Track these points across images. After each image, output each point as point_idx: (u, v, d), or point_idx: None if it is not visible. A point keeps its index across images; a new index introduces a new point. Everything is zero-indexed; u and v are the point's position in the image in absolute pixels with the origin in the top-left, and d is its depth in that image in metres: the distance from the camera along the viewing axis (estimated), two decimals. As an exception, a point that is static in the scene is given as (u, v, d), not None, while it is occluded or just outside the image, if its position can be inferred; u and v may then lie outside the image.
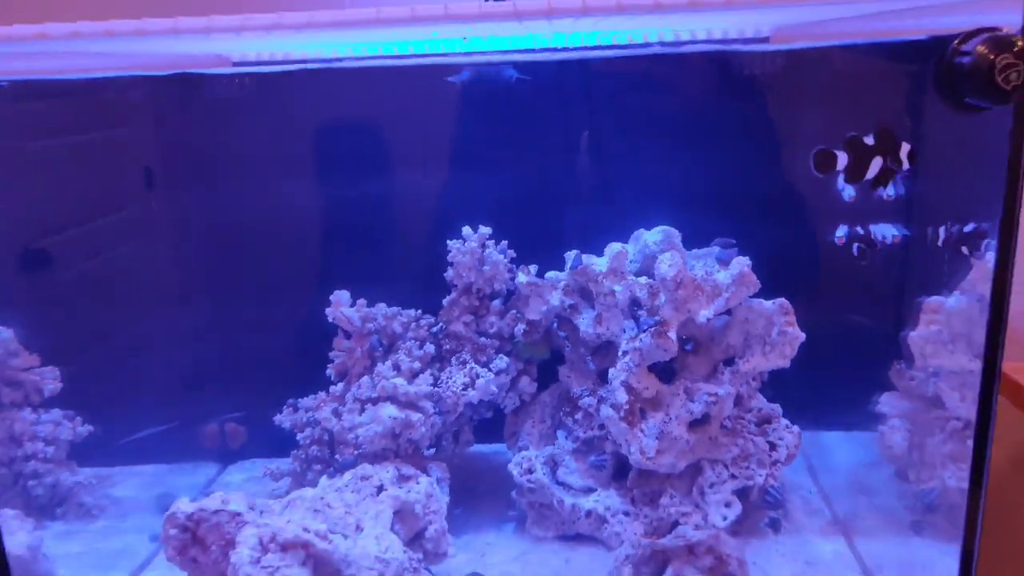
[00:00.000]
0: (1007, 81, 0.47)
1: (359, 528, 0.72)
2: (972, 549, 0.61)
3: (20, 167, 0.83)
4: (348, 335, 0.86)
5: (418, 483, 0.77)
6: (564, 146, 0.89)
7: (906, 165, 0.56)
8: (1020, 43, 0.48)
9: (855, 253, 0.75)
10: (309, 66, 0.84)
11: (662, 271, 0.75)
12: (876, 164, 0.56)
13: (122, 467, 0.92)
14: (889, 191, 0.64)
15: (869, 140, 0.56)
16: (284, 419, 0.87)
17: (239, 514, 0.68)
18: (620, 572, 0.68)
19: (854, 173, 0.56)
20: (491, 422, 0.88)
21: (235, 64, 0.88)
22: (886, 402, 0.82)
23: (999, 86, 0.47)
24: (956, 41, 0.50)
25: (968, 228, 0.64)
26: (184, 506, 0.69)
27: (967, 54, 0.48)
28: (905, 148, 0.56)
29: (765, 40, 0.84)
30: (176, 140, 0.91)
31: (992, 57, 0.47)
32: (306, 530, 0.66)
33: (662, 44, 0.80)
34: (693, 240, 0.82)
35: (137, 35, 0.58)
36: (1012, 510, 1.10)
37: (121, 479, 0.90)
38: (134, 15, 0.57)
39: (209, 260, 0.95)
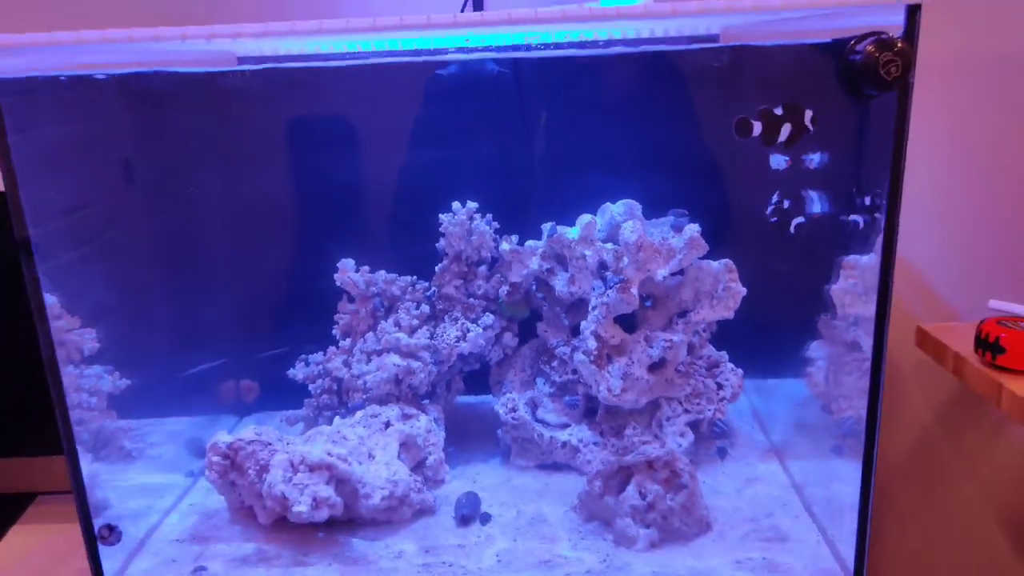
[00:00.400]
0: (888, 74, 0.61)
1: (371, 456, 0.84)
2: (871, 461, 0.75)
3: (60, 153, 0.92)
4: (351, 299, 0.98)
5: (419, 420, 0.90)
6: (539, 132, 1.01)
7: (811, 128, 0.70)
8: (899, 44, 0.62)
9: (792, 231, 0.89)
10: (311, 64, 0.96)
11: (625, 236, 0.88)
12: (785, 129, 0.70)
13: (150, 419, 1.03)
14: (813, 160, 0.78)
15: (778, 111, 0.70)
16: (297, 372, 0.99)
17: (270, 443, 0.81)
18: (592, 485, 0.81)
19: (767, 138, 0.69)
20: (478, 376, 1.01)
21: (239, 60, 0.99)
22: (814, 348, 0.96)
23: (883, 78, 0.61)
24: (852, 42, 0.64)
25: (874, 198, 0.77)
26: (224, 438, 0.81)
27: (859, 53, 0.62)
28: (808, 114, 0.70)
29: (716, 38, 0.98)
30: (203, 126, 1.01)
31: (877, 55, 0.61)
32: (329, 454, 0.78)
33: (624, 43, 0.92)
34: (652, 211, 0.95)
35: (154, 40, 0.66)
36: (935, 457, 1.27)
37: (152, 429, 1.01)
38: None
39: (226, 235, 1.06)
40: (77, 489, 0.72)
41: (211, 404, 1.06)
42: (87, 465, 0.81)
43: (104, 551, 0.77)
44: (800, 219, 0.89)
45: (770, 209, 0.86)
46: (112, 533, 0.74)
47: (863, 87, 0.63)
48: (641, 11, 0.72)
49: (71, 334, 0.94)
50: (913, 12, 0.59)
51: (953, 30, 1.04)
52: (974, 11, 1.02)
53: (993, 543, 1.31)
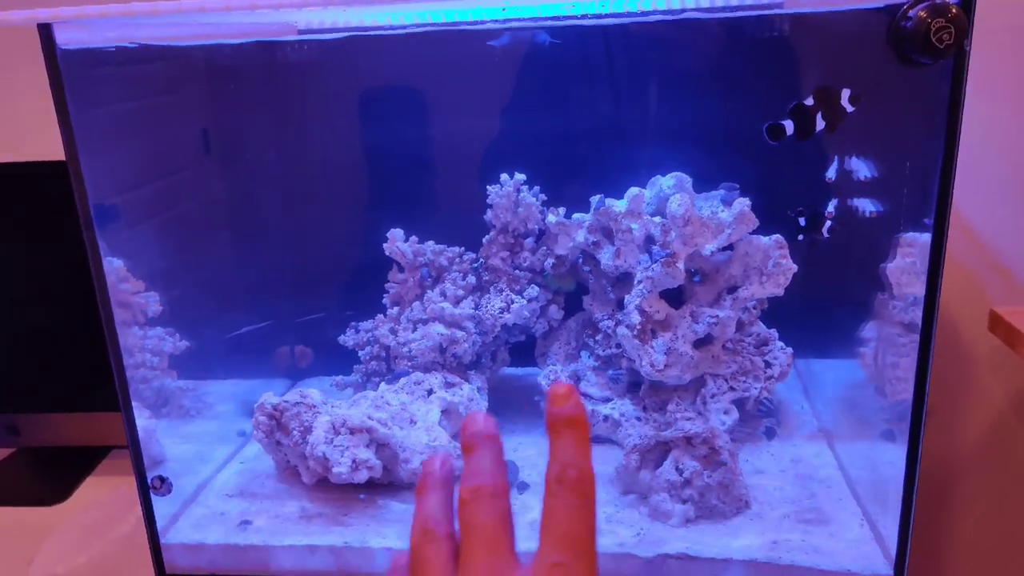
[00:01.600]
0: (940, 41, 0.58)
1: (412, 422, 0.86)
2: (917, 446, 0.73)
3: (128, 122, 0.97)
4: (401, 268, 1.00)
5: (461, 389, 0.91)
6: (590, 103, 1.00)
7: (849, 109, 0.67)
8: (954, 10, 0.58)
9: (826, 234, 0.86)
10: (368, 33, 0.97)
11: (672, 209, 0.87)
12: (819, 119, 0.67)
13: (209, 380, 1.07)
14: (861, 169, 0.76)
15: (808, 101, 0.67)
16: (348, 339, 1.01)
17: (315, 406, 0.83)
18: (629, 459, 0.81)
19: (802, 133, 0.67)
20: (525, 348, 1.02)
21: (300, 32, 1.01)
22: (868, 329, 0.93)
23: (934, 45, 0.58)
24: (905, 7, 0.61)
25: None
26: (270, 399, 0.84)
27: (911, 18, 0.59)
28: (845, 93, 0.67)
29: (780, 5, 0.94)
30: (258, 98, 1.04)
31: (929, 21, 0.58)
32: (370, 418, 0.80)
33: (682, 10, 0.90)
34: (704, 185, 0.93)
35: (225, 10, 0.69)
36: (1011, 448, 1.21)
37: (210, 390, 1.06)
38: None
39: (281, 204, 1.09)
40: (132, 442, 0.76)
41: (267, 368, 1.09)
42: (145, 420, 0.85)
43: (159, 501, 0.81)
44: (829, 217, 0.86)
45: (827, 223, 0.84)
46: (163, 484, 0.78)
47: (914, 55, 0.60)
48: None
49: (137, 296, 0.99)
50: (970, -27, 0.56)
51: None
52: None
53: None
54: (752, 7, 0.88)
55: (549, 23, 0.95)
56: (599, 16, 0.89)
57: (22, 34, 0.66)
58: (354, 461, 0.78)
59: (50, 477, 1.36)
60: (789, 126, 0.67)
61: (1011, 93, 1.04)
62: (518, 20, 0.93)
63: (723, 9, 0.88)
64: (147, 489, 0.77)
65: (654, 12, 0.89)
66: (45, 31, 0.64)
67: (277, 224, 1.09)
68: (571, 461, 0.35)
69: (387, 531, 0.79)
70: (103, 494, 1.23)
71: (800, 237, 0.83)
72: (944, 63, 0.61)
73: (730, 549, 0.74)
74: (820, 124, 0.67)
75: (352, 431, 0.79)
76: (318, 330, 1.09)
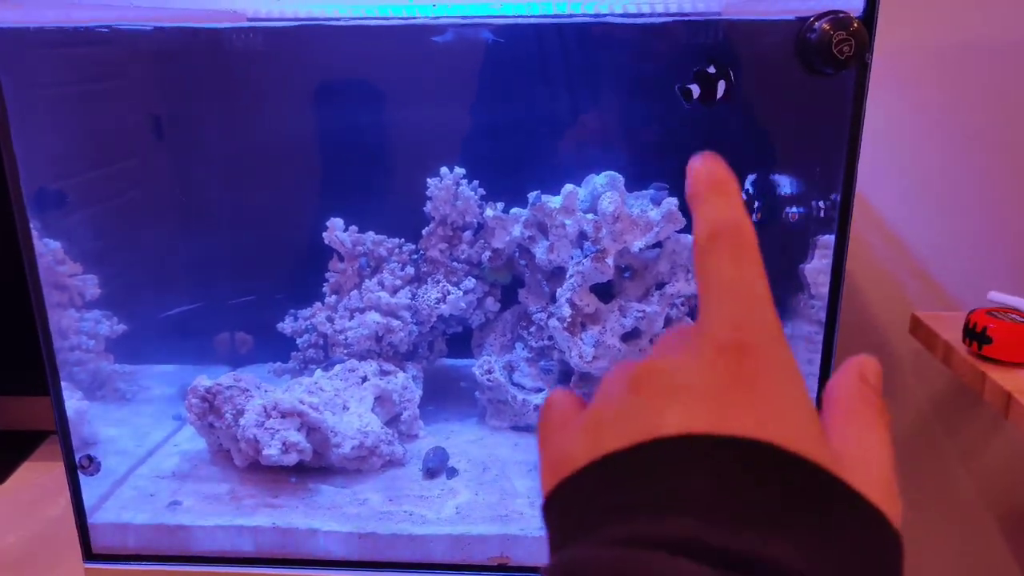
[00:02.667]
0: (841, 53, 0.62)
1: (345, 408, 0.88)
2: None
3: (65, 107, 0.97)
4: (341, 258, 1.02)
5: (396, 377, 0.93)
6: (530, 101, 1.03)
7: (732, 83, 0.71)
8: (855, 24, 0.62)
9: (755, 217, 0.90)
10: (312, 23, 0.98)
11: (603, 207, 0.90)
12: (721, 86, 0.71)
13: (148, 365, 1.08)
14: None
15: (711, 69, 0.71)
16: (286, 326, 1.02)
17: (247, 390, 0.85)
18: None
19: (706, 96, 0.70)
20: (462, 340, 1.04)
21: (249, 20, 1.02)
22: (788, 327, 0.97)
23: (836, 57, 0.62)
24: (811, 19, 0.64)
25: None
26: (203, 381, 0.85)
27: (815, 31, 0.63)
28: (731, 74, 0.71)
29: (717, 14, 0.98)
30: (200, 86, 1.05)
31: (831, 33, 0.62)
32: (301, 402, 0.82)
33: (622, 15, 0.93)
34: (639, 185, 0.96)
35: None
36: (931, 446, 1.26)
37: (147, 374, 1.06)
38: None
39: (224, 192, 1.09)
40: (60, 420, 0.77)
41: (206, 354, 1.10)
42: (77, 402, 0.86)
43: (90, 483, 0.82)
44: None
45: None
46: (91, 463, 0.79)
47: (818, 65, 0.63)
48: None
49: (73, 279, 0.99)
50: (871, -11, 0.60)
51: (962, 17, 1.03)
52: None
53: (988, 535, 1.31)
54: (678, 14, 0.91)
55: (492, 21, 0.97)
56: (535, 16, 0.92)
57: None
58: (284, 444, 0.79)
59: (-14, 461, 1.35)
60: (695, 89, 0.71)
61: (936, 107, 1.09)
62: (462, 17, 0.95)
63: (647, 16, 0.91)
64: (75, 468, 0.77)
65: (582, 15, 0.92)
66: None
67: (218, 210, 1.09)
68: (724, 218, 0.28)
69: (316, 513, 0.80)
70: (37, 477, 1.23)
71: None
72: (847, 73, 0.65)
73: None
74: (720, 91, 0.71)
75: (283, 415, 0.81)
76: (257, 316, 1.10)
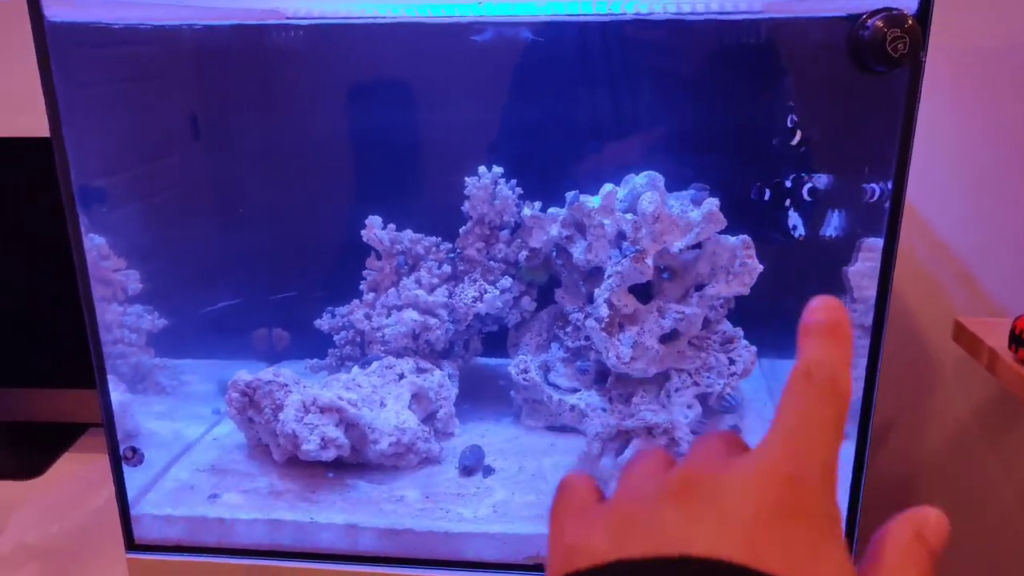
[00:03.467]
0: (895, 51, 0.60)
1: (383, 404, 0.88)
2: (865, 442, 0.75)
3: (111, 103, 0.98)
4: (379, 256, 1.02)
5: (432, 375, 0.93)
6: (568, 101, 1.02)
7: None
8: (910, 21, 0.61)
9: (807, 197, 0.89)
10: (349, 22, 0.98)
11: (643, 207, 0.89)
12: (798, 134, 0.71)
13: (188, 359, 1.09)
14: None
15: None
16: (323, 323, 1.03)
17: (286, 385, 0.85)
18: (591, 446, 0.83)
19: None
20: (498, 339, 1.04)
21: (288, 18, 1.03)
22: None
23: (889, 55, 0.61)
24: (864, 17, 0.63)
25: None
26: (244, 376, 0.86)
27: (868, 28, 0.62)
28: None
29: (759, 14, 0.97)
30: (240, 84, 1.06)
31: (885, 31, 0.61)
32: (340, 398, 0.82)
33: (664, 13, 0.92)
34: (678, 185, 0.96)
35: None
36: (972, 456, 1.24)
37: (186, 369, 1.07)
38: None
39: (263, 189, 1.11)
40: (105, 411, 0.78)
41: (244, 350, 1.11)
42: (120, 394, 0.87)
43: (132, 475, 0.83)
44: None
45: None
46: (135, 455, 0.80)
47: (870, 63, 0.62)
48: None
49: (117, 274, 1.01)
50: (927, -13, 0.59)
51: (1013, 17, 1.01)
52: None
53: None
54: (713, 13, 0.90)
55: (532, 20, 0.97)
56: (578, 15, 0.92)
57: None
58: (323, 439, 0.80)
59: (26, 452, 1.37)
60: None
61: (982, 110, 1.07)
62: (502, 17, 0.95)
63: (689, 15, 0.90)
64: (119, 459, 0.79)
65: (623, 15, 0.91)
66: (33, 3, 0.66)
67: (259, 207, 1.10)
68: (827, 362, 0.27)
69: (353, 509, 0.81)
70: (78, 469, 1.25)
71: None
72: (900, 72, 0.63)
73: (683, 536, 0.76)
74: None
75: (322, 410, 0.81)
76: (294, 313, 1.11)
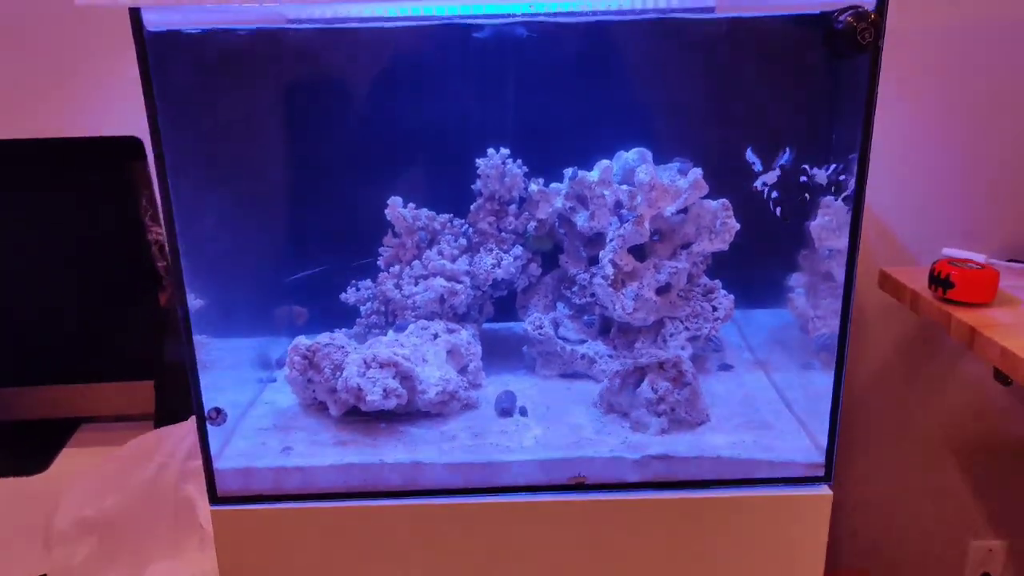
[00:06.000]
0: (863, 39, 0.77)
1: (424, 360, 0.99)
2: (841, 374, 0.91)
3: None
4: (395, 233, 1.13)
5: (461, 333, 1.05)
6: (565, 90, 1.16)
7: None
8: (872, 15, 0.77)
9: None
10: (363, 25, 1.08)
11: (640, 178, 1.03)
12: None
13: (214, 338, 1.16)
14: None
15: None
16: (349, 296, 1.13)
17: (344, 347, 0.95)
18: (612, 382, 0.97)
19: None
20: (505, 303, 1.16)
21: (289, 21, 1.11)
22: (795, 279, 1.13)
23: (859, 42, 0.77)
24: (835, 13, 0.79)
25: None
26: (303, 341, 0.95)
27: (841, 22, 0.78)
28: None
29: (711, 10, 1.12)
30: (295, 83, 1.14)
31: (855, 24, 0.77)
32: (396, 353, 0.93)
33: (624, 12, 1.06)
34: (657, 159, 1.10)
35: None
36: (896, 386, 1.45)
37: (217, 346, 1.14)
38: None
39: (284, 179, 1.19)
40: (192, 375, 0.86)
41: (266, 327, 1.19)
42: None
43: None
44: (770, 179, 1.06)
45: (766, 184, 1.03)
46: (219, 415, 0.88)
47: (843, 50, 0.79)
48: None
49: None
50: (884, -11, 0.75)
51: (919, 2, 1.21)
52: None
53: (942, 459, 1.51)
54: (698, 9, 1.06)
55: (525, 19, 1.09)
56: (568, 14, 1.04)
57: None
58: (385, 390, 0.90)
59: (26, 449, 1.40)
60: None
61: (908, 87, 1.27)
62: (500, 15, 1.07)
63: (679, 11, 1.05)
64: (203, 419, 0.87)
65: (613, 13, 1.04)
66: (134, 14, 0.74)
67: (278, 196, 1.19)
68: None
69: (415, 449, 0.92)
70: (84, 463, 1.29)
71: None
72: (863, 57, 0.80)
73: (700, 448, 0.91)
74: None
75: (381, 365, 0.92)
76: (309, 290, 1.20)
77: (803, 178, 1.01)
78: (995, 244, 1.35)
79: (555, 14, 1.05)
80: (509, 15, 1.08)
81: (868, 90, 0.80)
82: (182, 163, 0.86)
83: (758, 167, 1.04)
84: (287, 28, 1.04)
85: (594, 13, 1.07)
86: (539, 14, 1.04)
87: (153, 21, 0.75)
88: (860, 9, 0.78)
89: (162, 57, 0.78)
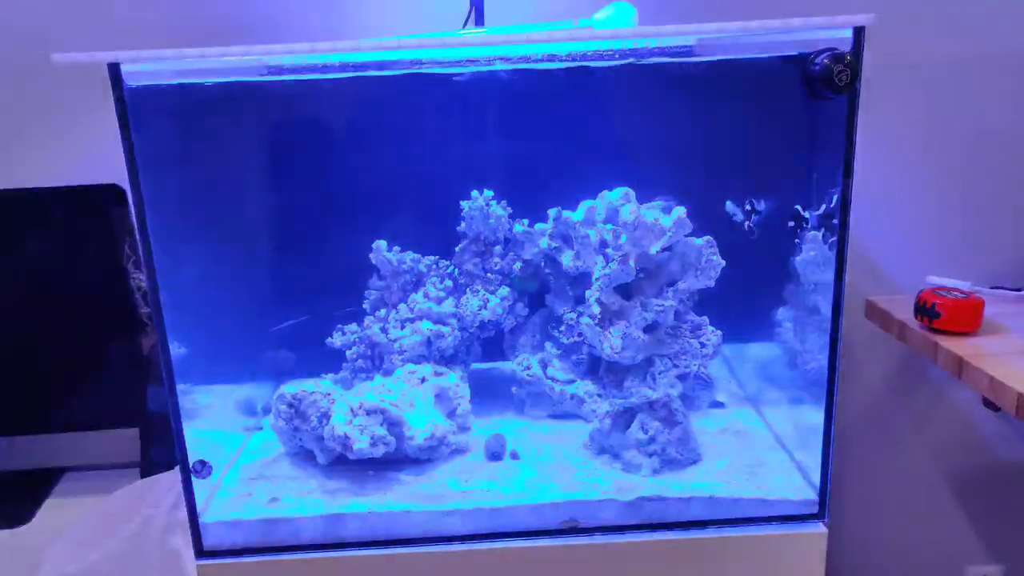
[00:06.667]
0: (840, 80, 0.78)
1: (412, 405, 0.98)
2: (832, 407, 0.91)
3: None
4: (381, 276, 1.12)
5: (448, 377, 1.04)
6: (547, 132, 1.16)
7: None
8: (848, 58, 0.78)
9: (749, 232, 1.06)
10: (344, 74, 1.08)
11: (624, 217, 1.04)
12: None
13: (199, 385, 1.15)
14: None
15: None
16: (335, 339, 1.12)
17: (329, 394, 0.94)
18: (602, 423, 0.96)
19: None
20: (490, 345, 1.16)
21: (269, 70, 1.11)
22: (782, 313, 1.13)
23: (836, 84, 0.78)
24: (812, 55, 0.80)
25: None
26: (289, 389, 0.94)
27: (817, 64, 0.79)
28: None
29: (690, 52, 1.13)
30: (278, 130, 1.14)
31: (831, 66, 0.78)
32: (383, 400, 0.92)
33: (604, 56, 1.07)
34: (643, 198, 1.11)
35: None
36: (886, 415, 1.45)
37: (202, 393, 1.13)
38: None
39: (270, 225, 1.19)
40: (176, 429, 0.85)
41: (251, 372, 1.18)
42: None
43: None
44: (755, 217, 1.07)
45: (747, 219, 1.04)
46: (204, 468, 0.87)
47: (821, 91, 0.79)
48: (629, 33, 0.88)
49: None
50: (859, 32, 0.76)
51: (896, 43, 1.23)
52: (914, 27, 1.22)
53: (935, 487, 1.51)
54: (677, 52, 1.07)
55: (511, 67, 1.10)
56: (551, 61, 1.05)
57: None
58: (372, 438, 0.89)
59: (10, 500, 1.37)
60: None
61: (884, 118, 1.28)
62: (479, 60, 1.07)
63: (669, 53, 1.06)
64: (188, 473, 0.85)
65: (588, 57, 1.05)
66: (113, 70, 0.74)
67: (264, 241, 1.18)
68: None
69: (404, 498, 0.90)
70: (70, 515, 1.26)
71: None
72: (841, 98, 0.81)
73: (692, 488, 0.90)
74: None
75: (368, 412, 0.91)
76: (294, 335, 1.19)
77: (791, 222, 1.02)
78: (980, 271, 1.36)
79: (537, 59, 1.06)
80: (490, 59, 1.09)
81: (847, 131, 0.81)
82: (163, 211, 0.85)
83: (738, 218, 1.05)
84: (267, 80, 1.04)
85: (577, 58, 1.07)
86: (520, 58, 1.05)
87: (132, 75, 0.75)
88: (836, 52, 0.79)
89: (141, 108, 0.78)
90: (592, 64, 1.07)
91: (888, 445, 1.47)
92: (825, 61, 0.78)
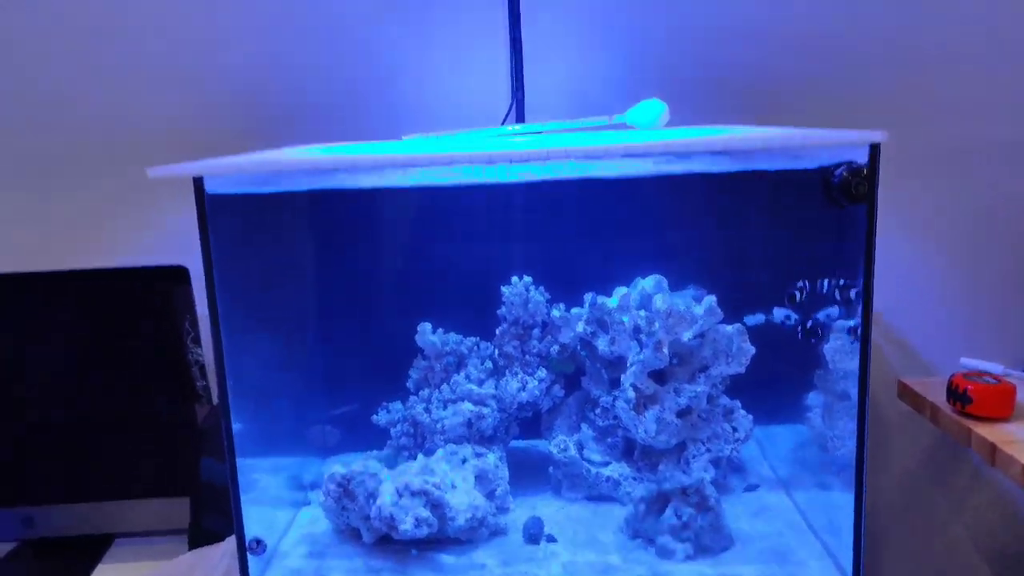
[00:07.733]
0: (857, 191, 0.83)
1: (453, 486, 1.03)
2: (861, 492, 0.94)
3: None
4: (425, 357, 1.18)
5: (488, 457, 1.08)
6: (581, 223, 1.22)
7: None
8: (864, 171, 0.83)
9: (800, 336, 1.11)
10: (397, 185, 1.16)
11: (657, 306, 1.08)
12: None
13: (248, 458, 1.20)
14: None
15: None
16: (380, 418, 1.17)
17: (376, 474, 0.99)
18: (637, 508, 1.00)
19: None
20: (529, 424, 1.20)
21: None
22: (811, 398, 1.16)
23: (853, 194, 0.83)
24: (831, 168, 0.86)
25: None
26: (339, 469, 0.99)
27: (837, 176, 0.84)
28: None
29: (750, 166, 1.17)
30: (331, 233, 1.24)
31: (849, 178, 0.83)
32: (427, 482, 0.97)
33: (667, 168, 1.11)
34: (674, 286, 1.16)
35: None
36: (923, 498, 1.45)
37: (251, 467, 1.19)
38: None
39: (325, 316, 1.26)
40: (235, 508, 0.90)
41: (300, 447, 1.23)
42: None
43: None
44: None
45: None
46: (259, 545, 0.92)
47: (840, 201, 0.85)
48: (661, 148, 0.94)
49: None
50: (874, 149, 0.81)
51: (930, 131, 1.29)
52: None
53: (976, 570, 1.49)
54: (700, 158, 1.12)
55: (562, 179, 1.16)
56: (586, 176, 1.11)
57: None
58: (416, 519, 0.94)
59: (61, 567, 1.43)
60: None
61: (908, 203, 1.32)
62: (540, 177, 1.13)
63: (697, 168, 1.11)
64: (245, 552, 0.90)
65: (628, 175, 1.10)
66: (197, 182, 0.82)
67: (321, 329, 1.26)
68: None
69: (444, 578, 0.94)
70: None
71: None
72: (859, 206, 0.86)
73: (724, 576, 0.93)
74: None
75: (413, 494, 0.95)
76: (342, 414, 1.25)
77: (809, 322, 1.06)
78: (1017, 350, 1.38)
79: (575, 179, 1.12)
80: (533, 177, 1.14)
81: (867, 233, 0.85)
82: (229, 297, 0.93)
83: (793, 319, 1.10)
84: (329, 189, 1.12)
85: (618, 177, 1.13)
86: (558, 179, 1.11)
87: (212, 185, 0.83)
88: (854, 165, 0.84)
89: (216, 211, 0.86)
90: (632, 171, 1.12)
91: (926, 526, 1.47)
92: (843, 173, 0.83)
